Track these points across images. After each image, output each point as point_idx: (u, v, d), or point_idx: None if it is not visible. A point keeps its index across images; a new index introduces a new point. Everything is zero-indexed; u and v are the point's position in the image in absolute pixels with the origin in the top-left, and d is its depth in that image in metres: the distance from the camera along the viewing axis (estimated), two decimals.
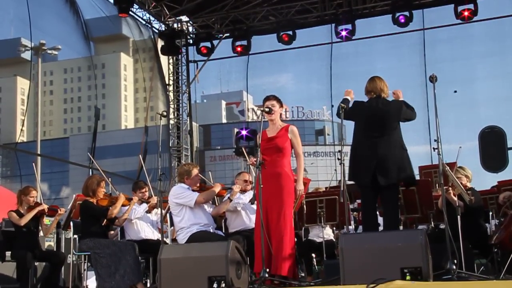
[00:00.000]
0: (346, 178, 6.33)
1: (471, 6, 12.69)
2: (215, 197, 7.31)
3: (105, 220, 7.12)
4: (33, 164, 8.53)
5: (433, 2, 13.63)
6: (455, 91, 19.73)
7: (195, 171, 6.87)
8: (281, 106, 6.34)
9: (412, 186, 6.53)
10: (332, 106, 14.76)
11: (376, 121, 6.05)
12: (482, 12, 12.90)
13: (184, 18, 15.26)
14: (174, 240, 7.24)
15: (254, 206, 6.89)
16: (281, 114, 6.39)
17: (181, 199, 6.60)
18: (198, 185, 6.89)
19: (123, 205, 7.19)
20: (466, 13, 12.75)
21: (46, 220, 7.82)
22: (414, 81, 15.18)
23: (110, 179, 7.78)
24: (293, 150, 6.21)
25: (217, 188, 6.91)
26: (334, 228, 8.45)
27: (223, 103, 74.45)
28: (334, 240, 8.30)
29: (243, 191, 7.09)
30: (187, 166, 7.05)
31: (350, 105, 6.37)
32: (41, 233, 7.94)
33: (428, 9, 13.88)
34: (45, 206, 7.58)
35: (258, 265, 5.78)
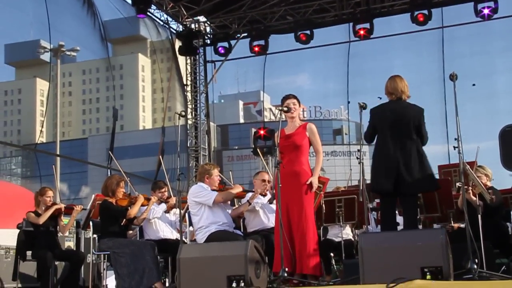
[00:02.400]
0: (366, 177, 6.29)
1: (491, 4, 12.53)
2: (234, 199, 7.31)
3: (124, 220, 7.15)
4: (53, 166, 8.59)
5: (452, 0, 13.50)
6: (474, 85, 19.53)
7: (215, 171, 6.88)
8: (300, 105, 6.34)
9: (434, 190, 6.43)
10: (349, 102, 14.69)
11: (397, 126, 5.95)
12: (502, 9, 12.73)
13: (202, 18, 15.28)
14: (193, 240, 7.26)
15: (273, 206, 6.89)
16: (299, 114, 6.39)
17: (200, 197, 6.62)
18: (217, 185, 6.90)
19: (142, 205, 7.22)
20: (486, 11, 12.60)
21: (64, 220, 7.88)
22: (432, 76, 15.09)
23: (129, 179, 7.81)
24: (312, 147, 6.19)
25: (236, 190, 6.91)
26: (353, 228, 8.41)
27: (241, 103, 74.52)
28: (353, 239, 8.26)
29: (262, 194, 7.07)
30: (208, 166, 7.08)
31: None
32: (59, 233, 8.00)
33: (447, 7, 13.75)
34: (61, 205, 7.65)
35: (278, 265, 5.77)
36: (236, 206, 7.39)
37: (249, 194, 6.99)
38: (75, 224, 8.45)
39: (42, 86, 79.54)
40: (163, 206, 7.51)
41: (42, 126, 54.11)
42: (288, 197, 5.94)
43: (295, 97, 6.29)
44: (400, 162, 5.83)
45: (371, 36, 13.60)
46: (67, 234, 8.60)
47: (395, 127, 5.93)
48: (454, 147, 5.64)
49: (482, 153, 7.23)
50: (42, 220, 7.44)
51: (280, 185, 5.73)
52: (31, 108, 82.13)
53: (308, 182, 5.98)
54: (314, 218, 6.11)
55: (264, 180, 7.14)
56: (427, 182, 5.94)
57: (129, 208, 7.03)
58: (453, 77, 5.82)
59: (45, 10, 12.63)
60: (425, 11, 12.85)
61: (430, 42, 15.32)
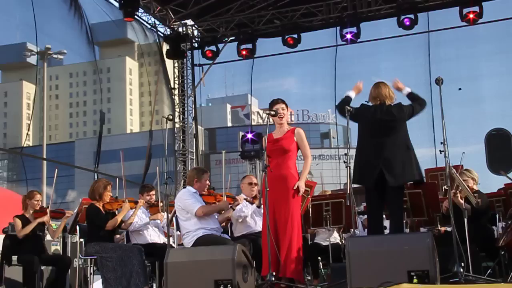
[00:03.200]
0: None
1: (476, 8, 12.65)
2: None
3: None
4: (56, 169, 8.44)
5: (438, 5, 13.60)
6: (460, 89, 19.65)
7: (205, 176, 6.87)
8: (287, 109, 6.36)
9: (420, 184, 6.46)
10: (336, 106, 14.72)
11: (380, 127, 6.01)
12: (487, 14, 12.85)
13: (189, 22, 15.27)
14: (180, 245, 7.24)
15: (261, 210, 6.89)
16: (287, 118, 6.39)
17: (184, 205, 6.62)
18: (206, 190, 6.89)
19: (131, 208, 7.21)
20: (471, 16, 12.72)
21: (53, 224, 7.83)
22: (418, 80, 15.10)
23: (125, 183, 7.78)
24: (301, 152, 6.20)
25: (221, 205, 6.89)
26: (341, 232, 8.43)
27: (228, 106, 74.45)
28: (340, 243, 8.28)
29: (250, 202, 7.05)
30: (198, 170, 7.07)
31: (354, 104, 6.33)
32: (48, 237, 7.95)
33: (433, 11, 13.85)
34: (45, 219, 7.53)
35: (266, 269, 5.77)
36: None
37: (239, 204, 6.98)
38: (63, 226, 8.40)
39: (28, 89, 79.01)
40: (146, 219, 7.51)
41: (29, 130, 53.75)
42: (275, 201, 5.95)
43: (283, 102, 6.30)
44: (383, 156, 5.88)
45: (358, 40, 13.66)
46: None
47: (379, 127, 6.00)
48: (440, 151, 5.68)
49: (469, 157, 7.30)
50: (22, 233, 7.34)
51: (268, 189, 5.73)
52: (18, 111, 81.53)
53: (295, 187, 5.99)
54: (300, 222, 6.12)
55: (251, 183, 7.15)
56: (413, 172, 5.98)
57: (116, 212, 7.02)
58: (439, 82, 5.88)
59: (32, 13, 12.57)
60: (412, 16, 12.94)
61: (416, 46, 15.41)
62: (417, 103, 6.14)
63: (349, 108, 6.23)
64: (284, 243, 5.91)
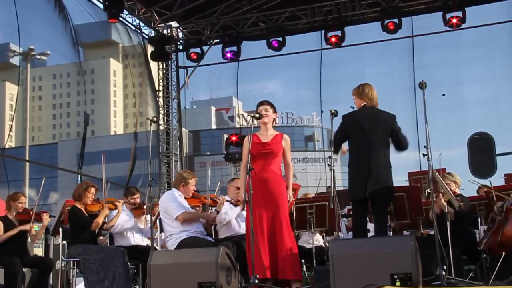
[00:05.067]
0: (336, 184, 6.34)
1: (459, 13, 12.76)
2: (210, 206, 7.29)
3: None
4: (43, 176, 8.38)
5: (422, 10, 13.71)
6: (443, 95, 19.85)
7: (192, 181, 6.88)
8: (275, 111, 6.35)
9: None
10: (322, 112, 14.77)
11: (371, 132, 6.03)
12: (470, 20, 12.97)
13: (174, 24, 15.23)
14: (163, 246, 7.22)
15: (244, 213, 6.89)
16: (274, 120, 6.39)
17: (167, 208, 6.61)
18: (191, 194, 6.89)
19: (110, 209, 7.18)
20: (454, 21, 12.82)
21: (35, 226, 7.75)
22: (403, 85, 15.23)
23: (109, 185, 7.73)
24: (284, 159, 6.20)
25: (204, 215, 6.92)
26: (324, 234, 8.45)
27: (213, 109, 74.36)
28: (323, 246, 8.29)
29: (234, 204, 7.05)
30: (186, 174, 7.05)
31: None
32: (28, 240, 7.87)
33: (417, 16, 13.96)
34: (28, 227, 7.44)
35: (258, 270, 5.73)
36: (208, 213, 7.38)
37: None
38: (44, 230, 8.33)
39: (11, 90, 78.34)
40: (131, 222, 7.49)
41: (11, 131, 53.18)
42: (261, 203, 5.91)
43: (269, 103, 6.31)
44: (372, 170, 5.91)
45: (343, 44, 13.72)
46: None
47: (369, 133, 6.01)
48: (424, 155, 5.72)
49: (452, 161, 7.35)
50: (2, 238, 7.27)
51: (252, 192, 5.72)
52: (0, 112, 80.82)
53: (289, 200, 6.06)
54: (289, 222, 6.12)
55: (238, 188, 7.13)
56: (392, 192, 6.06)
57: (97, 214, 6.99)
58: (422, 85, 5.92)
59: (15, 13, 12.45)
60: (396, 20, 13.01)
61: (400, 51, 15.51)
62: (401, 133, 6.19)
63: (332, 110, 6.30)
64: (276, 245, 5.88)
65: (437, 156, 6.21)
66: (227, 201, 7.07)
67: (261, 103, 6.30)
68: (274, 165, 6.11)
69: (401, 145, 6.12)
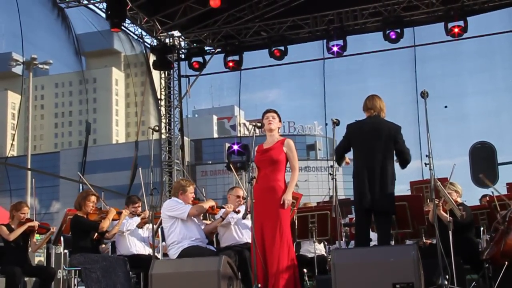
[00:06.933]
0: (338, 193, 6.33)
1: (461, 23, 12.81)
2: (207, 214, 7.27)
3: (96, 234, 7.08)
4: (33, 179, 8.41)
5: (424, 19, 13.76)
6: (446, 106, 19.95)
7: (191, 188, 6.85)
8: (280, 120, 6.34)
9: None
10: (326, 124, 14.75)
11: (374, 141, 6.02)
12: (472, 30, 13.03)
13: (176, 33, 15.30)
14: (165, 255, 7.20)
15: (245, 221, 6.88)
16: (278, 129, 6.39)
17: (174, 211, 6.57)
18: (190, 202, 6.87)
19: (113, 219, 7.16)
20: (456, 30, 12.87)
21: (37, 235, 7.75)
22: (406, 97, 15.28)
23: (103, 193, 7.73)
24: (289, 163, 6.17)
25: (208, 203, 6.87)
26: (326, 243, 8.43)
27: (215, 117, 74.46)
28: (325, 255, 8.27)
29: (236, 211, 7.04)
30: (184, 182, 7.03)
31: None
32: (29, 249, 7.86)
33: (419, 26, 14.00)
34: (35, 224, 7.49)
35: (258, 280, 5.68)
36: (210, 222, 7.36)
37: (223, 210, 6.96)
38: (45, 243, 8.32)
39: (13, 99, 78.48)
40: (136, 219, 7.45)
41: (13, 140, 53.28)
42: (262, 213, 5.88)
43: (274, 111, 6.32)
44: (376, 181, 5.89)
45: (345, 53, 13.75)
46: None
47: (373, 142, 6.00)
48: (426, 164, 5.72)
49: (454, 171, 7.33)
50: (13, 236, 7.29)
51: (254, 201, 5.70)
52: (2, 121, 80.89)
53: (281, 202, 5.95)
54: (290, 234, 6.08)
55: (238, 196, 7.13)
56: (393, 203, 6.04)
57: (101, 221, 6.97)
58: (424, 95, 5.92)
59: (18, 23, 12.52)
60: (398, 29, 13.04)
61: (403, 62, 15.57)
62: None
63: (334, 120, 6.30)
64: (271, 255, 5.83)
65: (438, 166, 6.19)
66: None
67: (267, 111, 6.32)
68: (277, 173, 6.05)
69: (404, 156, 6.08)
